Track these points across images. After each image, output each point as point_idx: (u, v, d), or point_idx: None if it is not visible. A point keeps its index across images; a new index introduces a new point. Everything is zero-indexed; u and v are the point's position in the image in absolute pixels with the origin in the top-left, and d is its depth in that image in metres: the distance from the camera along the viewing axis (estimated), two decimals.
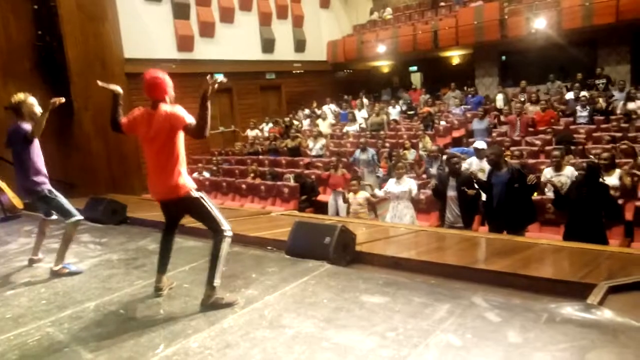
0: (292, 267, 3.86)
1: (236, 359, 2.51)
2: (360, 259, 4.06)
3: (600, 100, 10.42)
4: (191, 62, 13.32)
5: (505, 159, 5.72)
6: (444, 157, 8.32)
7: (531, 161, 7.98)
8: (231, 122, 15.15)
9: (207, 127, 3.08)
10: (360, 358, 2.44)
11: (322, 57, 17.87)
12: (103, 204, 6.29)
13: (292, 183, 9.11)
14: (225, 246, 3.18)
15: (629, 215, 5.61)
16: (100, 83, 3.58)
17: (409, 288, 3.32)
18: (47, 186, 4.18)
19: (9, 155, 4.41)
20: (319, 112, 14.97)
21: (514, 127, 10.07)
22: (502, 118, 11.01)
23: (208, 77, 3.07)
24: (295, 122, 14.24)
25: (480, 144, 7.07)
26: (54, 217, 4.38)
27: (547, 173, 5.91)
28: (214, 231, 3.22)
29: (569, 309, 2.81)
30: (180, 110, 3.15)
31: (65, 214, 4.17)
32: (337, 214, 7.96)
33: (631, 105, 9.71)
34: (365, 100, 15.46)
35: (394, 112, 14.10)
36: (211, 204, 3.29)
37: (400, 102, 14.93)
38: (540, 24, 13.01)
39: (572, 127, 9.83)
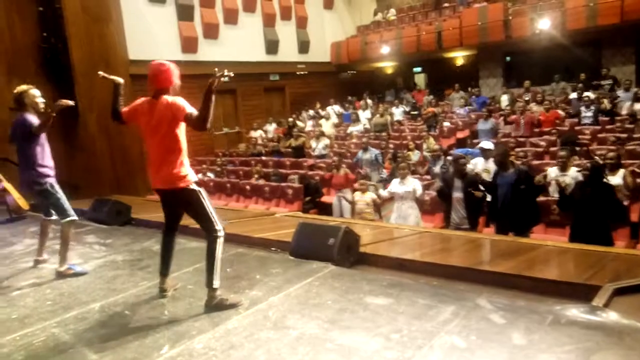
0: (296, 269, 3.86)
1: None
2: (364, 260, 4.06)
3: (605, 101, 10.37)
4: (195, 64, 13.33)
5: (512, 160, 5.70)
6: (448, 157, 8.32)
7: (536, 162, 7.95)
8: (235, 124, 15.18)
9: (209, 118, 3.05)
10: (364, 359, 2.44)
11: (325, 58, 17.87)
12: (108, 205, 6.31)
13: (296, 184, 9.12)
14: (219, 247, 3.17)
15: (634, 217, 5.58)
16: (101, 74, 3.57)
17: (413, 289, 3.32)
18: (51, 180, 4.15)
19: (14, 157, 4.42)
20: (322, 113, 14.98)
21: (518, 126, 10.05)
22: (508, 119, 10.97)
23: (216, 69, 3.06)
24: (299, 123, 14.25)
25: (487, 144, 7.05)
26: (54, 217, 4.37)
27: (552, 172, 5.89)
28: (206, 230, 3.21)
29: (574, 311, 2.80)
30: (181, 101, 3.15)
31: (61, 212, 4.16)
32: (342, 214, 7.96)
33: (638, 106, 9.66)
34: (369, 101, 15.46)
35: (398, 112, 14.09)
36: (208, 201, 3.28)
37: (404, 102, 14.92)
38: (544, 25, 12.98)
39: (576, 127, 9.79)
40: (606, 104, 10.25)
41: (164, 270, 3.48)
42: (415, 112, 13.93)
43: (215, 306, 3.12)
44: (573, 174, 5.69)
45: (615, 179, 5.51)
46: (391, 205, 6.67)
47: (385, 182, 8.53)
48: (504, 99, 12.84)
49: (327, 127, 13.57)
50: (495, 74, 15.79)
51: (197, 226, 3.35)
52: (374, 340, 2.61)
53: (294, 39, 16.85)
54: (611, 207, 4.76)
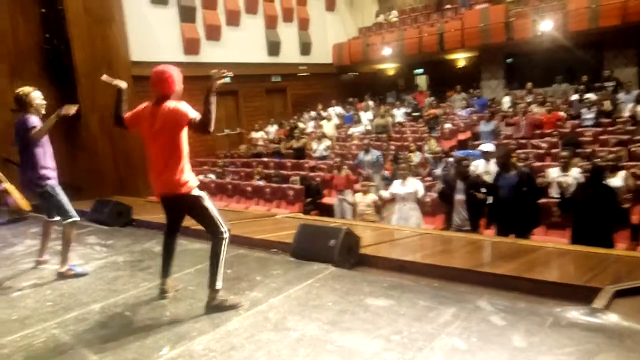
0: (296, 270, 3.86)
1: None
2: (364, 262, 4.06)
3: (606, 102, 10.37)
4: (197, 65, 13.32)
5: (513, 161, 5.70)
6: (450, 159, 8.32)
7: (537, 164, 7.95)
8: (237, 125, 15.20)
9: (212, 121, 3.05)
10: None
11: (327, 60, 17.89)
12: (109, 206, 6.32)
13: (297, 185, 9.12)
14: (224, 248, 3.18)
15: (635, 219, 5.57)
16: (104, 78, 3.56)
17: (413, 291, 3.32)
18: (51, 182, 4.15)
19: (16, 157, 4.43)
20: (324, 114, 14.99)
21: (519, 127, 10.04)
22: (508, 120, 10.96)
23: (214, 71, 3.07)
24: (301, 125, 14.26)
25: (488, 146, 7.05)
26: (57, 218, 4.38)
27: (553, 173, 5.89)
28: (211, 233, 3.21)
29: (575, 313, 2.79)
30: (184, 106, 3.14)
31: (63, 213, 4.17)
32: (343, 216, 7.96)
33: (639, 108, 9.65)
34: (370, 103, 15.46)
35: (399, 114, 14.09)
36: (211, 204, 3.28)
37: (405, 103, 14.92)
38: (546, 27, 12.97)
39: (578, 129, 9.78)
40: (607, 105, 10.24)
41: (165, 272, 3.48)
42: (417, 114, 13.93)
43: (215, 307, 3.12)
44: (575, 174, 5.69)
45: (616, 181, 5.51)
46: (392, 206, 6.67)
47: (386, 184, 8.54)
48: (506, 101, 12.83)
49: (329, 128, 13.57)
50: (496, 76, 15.78)
51: (199, 227, 3.35)
52: (375, 341, 2.61)
53: (296, 40, 16.87)
54: (612, 210, 4.75)
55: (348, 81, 18.67)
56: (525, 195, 5.10)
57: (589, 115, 9.95)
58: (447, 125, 11.98)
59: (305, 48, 17.14)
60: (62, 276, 4.09)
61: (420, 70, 18.72)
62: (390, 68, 18.90)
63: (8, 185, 6.46)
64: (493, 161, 6.50)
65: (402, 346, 2.54)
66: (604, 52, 13.78)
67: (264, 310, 3.12)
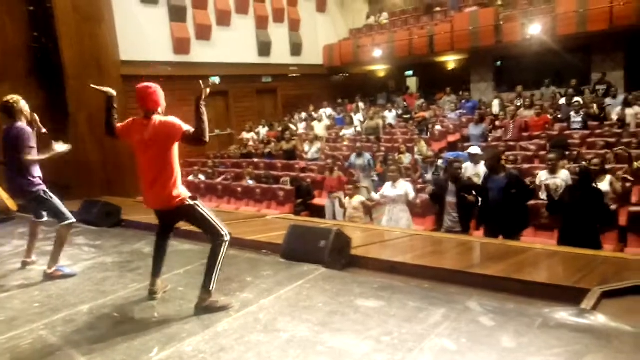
0: (287, 271, 3.85)
1: None
2: (355, 263, 4.06)
3: (595, 106, 10.49)
4: (187, 65, 13.30)
5: (502, 163, 5.74)
6: (440, 162, 8.36)
7: (526, 166, 8.01)
8: (227, 125, 15.14)
9: (206, 132, 3.07)
10: None
11: (318, 61, 17.89)
12: (97, 207, 6.27)
13: (287, 186, 9.11)
14: (224, 251, 3.18)
15: (622, 221, 5.63)
16: (92, 86, 3.56)
17: (404, 292, 3.33)
18: (43, 187, 4.15)
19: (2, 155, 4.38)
20: (315, 115, 14.99)
21: (507, 130, 10.13)
22: (498, 123, 11.06)
23: (201, 81, 3.07)
24: (291, 126, 14.24)
25: (475, 149, 7.09)
26: (45, 218, 4.35)
27: (542, 176, 5.94)
28: (211, 236, 3.21)
29: (563, 314, 2.82)
30: (175, 120, 3.14)
31: (58, 216, 4.15)
32: (334, 217, 7.96)
33: (629, 111, 9.77)
34: (361, 104, 15.49)
35: (390, 116, 14.14)
36: (207, 210, 3.27)
37: (395, 105, 14.97)
38: (535, 30, 13.10)
39: (566, 132, 9.88)
40: (595, 109, 10.36)
41: (156, 272, 3.46)
42: (407, 116, 13.99)
43: (205, 308, 3.11)
44: (564, 177, 5.75)
45: (602, 185, 5.56)
46: (382, 208, 6.68)
47: (377, 186, 8.56)
48: (495, 104, 12.92)
49: (319, 129, 13.57)
50: (486, 79, 15.90)
51: (189, 228, 3.34)
52: (365, 343, 2.62)
53: (287, 41, 16.85)
54: (600, 211, 4.80)
55: (339, 82, 18.70)
56: (514, 198, 5.13)
57: (577, 118, 10.06)
58: (437, 128, 12.04)
59: (296, 49, 17.13)
60: (49, 277, 4.04)
61: (411, 72, 18.80)
62: (380, 70, 18.96)
63: None
64: (482, 163, 6.55)
65: (392, 347, 2.55)
66: (592, 56, 13.94)
67: (254, 312, 3.11)
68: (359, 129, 13.22)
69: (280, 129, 13.87)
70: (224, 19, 14.71)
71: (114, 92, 3.49)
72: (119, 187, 10.39)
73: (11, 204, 6.41)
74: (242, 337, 2.77)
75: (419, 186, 7.46)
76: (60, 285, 3.91)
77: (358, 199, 6.68)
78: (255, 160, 11.95)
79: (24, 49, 9.96)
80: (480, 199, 5.51)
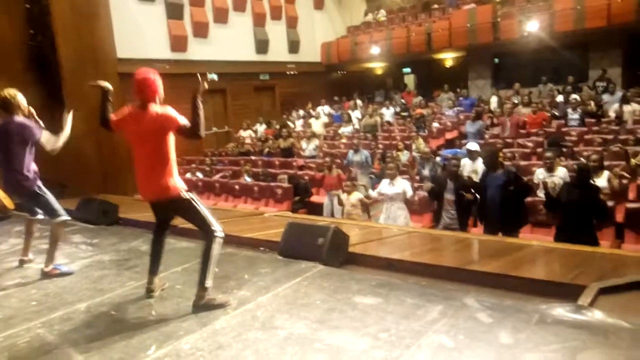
0: (284, 268, 3.85)
1: None
2: (353, 260, 4.06)
3: (592, 103, 10.50)
4: (185, 63, 13.28)
5: (500, 160, 5.74)
6: (437, 159, 8.37)
7: (523, 163, 8.02)
8: (225, 123, 15.12)
9: (202, 127, 3.07)
10: (352, 359, 2.44)
11: (316, 59, 17.87)
12: (94, 205, 6.26)
13: (285, 184, 9.10)
14: (217, 247, 3.16)
15: (619, 217, 5.65)
16: (89, 83, 3.54)
17: (401, 289, 3.33)
18: (38, 182, 4.12)
19: None
20: (313, 113, 14.98)
21: (504, 127, 10.14)
22: (495, 120, 11.07)
23: (199, 74, 3.07)
24: (289, 124, 14.24)
25: (473, 145, 7.09)
26: (40, 216, 4.32)
27: (540, 174, 5.94)
28: (204, 232, 3.20)
29: (560, 310, 2.82)
30: (171, 111, 3.13)
31: (52, 213, 4.12)
32: (333, 215, 7.96)
33: (627, 108, 9.78)
34: (358, 102, 15.49)
35: (388, 113, 14.14)
36: (202, 205, 3.26)
37: (393, 103, 14.98)
38: (532, 27, 13.10)
39: (563, 129, 9.90)
40: (592, 106, 10.37)
41: (153, 270, 3.45)
42: (405, 113, 13.99)
43: (203, 306, 3.10)
44: (561, 174, 5.75)
45: (600, 181, 5.57)
46: (380, 205, 6.68)
47: (375, 183, 8.56)
48: (494, 101, 12.94)
49: (317, 126, 13.57)
50: (484, 76, 15.91)
51: (187, 226, 3.33)
52: (362, 339, 2.62)
53: (284, 38, 16.83)
54: (597, 208, 4.81)
55: (336, 80, 18.68)
56: (512, 195, 5.14)
57: (574, 115, 10.07)
58: (435, 125, 12.05)
59: (294, 46, 17.11)
60: (46, 275, 4.03)
61: (408, 70, 18.80)
62: (378, 67, 18.96)
63: None
64: (479, 160, 6.55)
65: (390, 344, 2.55)
66: (589, 53, 13.96)
67: (251, 309, 3.11)
68: (357, 126, 13.22)
69: (277, 126, 13.86)
70: (221, 16, 14.68)
71: (110, 86, 3.48)
72: (116, 184, 10.37)
73: (8, 202, 6.38)
74: (239, 334, 2.76)
75: (416, 184, 7.46)
76: (58, 283, 3.90)
77: (356, 196, 6.67)
78: (253, 157, 11.94)
79: (20, 46, 9.91)
80: (478, 197, 5.52)
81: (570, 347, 2.42)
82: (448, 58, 17.10)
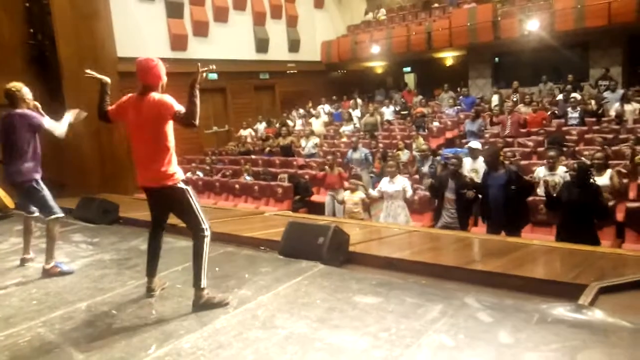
0: (285, 268, 3.85)
1: None
2: (353, 260, 4.06)
3: (592, 102, 10.49)
4: (185, 62, 13.22)
5: (502, 160, 5.73)
6: (438, 157, 8.36)
7: (524, 162, 8.02)
8: (225, 122, 15.12)
9: (197, 115, 3.04)
10: (353, 358, 2.44)
11: (316, 58, 17.86)
12: (95, 204, 6.25)
13: (285, 183, 9.10)
14: (206, 246, 3.15)
15: (620, 216, 5.65)
16: (88, 73, 3.54)
17: (402, 288, 3.33)
18: (36, 177, 4.11)
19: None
20: (313, 112, 14.98)
21: (505, 126, 10.13)
22: (495, 119, 11.06)
23: (198, 64, 3.06)
24: (289, 122, 14.23)
25: (475, 144, 7.09)
26: (36, 213, 4.32)
27: (540, 172, 5.94)
28: (193, 229, 3.19)
29: (561, 310, 2.82)
30: (169, 99, 3.12)
31: (46, 209, 4.12)
32: (334, 214, 7.96)
33: (628, 107, 9.77)
34: (359, 100, 15.48)
35: (388, 112, 14.14)
36: (195, 200, 3.25)
37: (393, 102, 14.98)
38: (533, 26, 13.09)
39: (564, 128, 9.89)
40: (593, 105, 10.36)
41: (152, 270, 3.45)
42: (406, 112, 13.98)
43: (203, 305, 3.10)
44: (562, 173, 5.75)
45: (602, 180, 5.56)
46: (381, 204, 6.68)
47: (374, 181, 8.56)
48: (495, 100, 12.93)
49: (317, 125, 13.57)
50: (484, 75, 15.90)
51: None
52: (363, 339, 2.62)
53: (284, 37, 16.82)
54: (597, 207, 4.81)
55: (336, 79, 18.67)
56: (514, 194, 5.13)
57: (574, 114, 10.06)
58: (435, 124, 12.04)
59: (294, 45, 17.10)
60: (47, 273, 4.04)
61: (409, 69, 18.79)
62: (378, 66, 18.94)
63: None
64: (480, 159, 6.55)
65: (390, 343, 2.55)
66: (589, 52, 13.96)
67: (252, 308, 3.11)
68: (357, 125, 13.22)
69: (277, 125, 13.86)
70: (221, 15, 14.68)
71: (108, 80, 3.50)
72: (116, 184, 10.38)
73: (9, 201, 6.41)
74: (240, 333, 2.76)
75: (415, 185, 7.44)
76: (58, 282, 3.90)
77: (359, 194, 6.68)
78: (254, 157, 11.94)
79: (20, 45, 9.93)
80: (480, 196, 5.52)
81: (570, 346, 2.42)
82: (448, 57, 17.08)
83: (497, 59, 15.82)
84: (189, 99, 3.03)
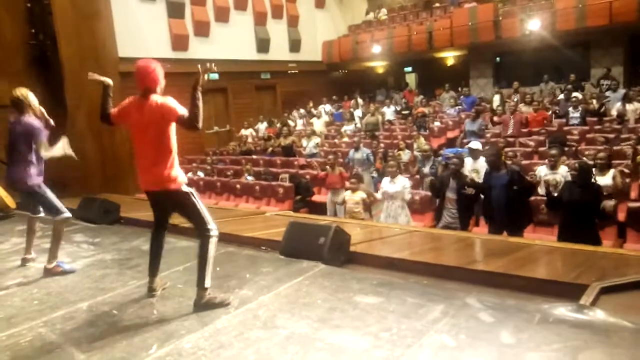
0: (286, 268, 3.85)
1: None
2: (354, 260, 4.06)
3: (594, 101, 10.47)
4: (186, 62, 13.24)
5: (504, 160, 5.72)
6: (439, 158, 8.35)
7: (525, 162, 8.01)
8: (226, 122, 15.12)
9: (200, 117, 3.05)
10: (354, 358, 2.44)
11: (317, 57, 17.87)
12: (96, 204, 6.26)
13: (287, 183, 9.10)
14: (212, 246, 3.15)
15: (621, 216, 5.63)
16: (90, 75, 3.55)
17: (403, 288, 3.32)
18: (39, 181, 4.14)
19: (2, 154, 4.39)
20: (314, 112, 14.98)
21: (507, 126, 10.12)
22: (496, 119, 11.04)
23: (199, 65, 3.06)
24: (290, 122, 14.23)
25: (475, 144, 7.07)
26: (42, 214, 4.35)
27: (542, 171, 5.92)
28: (199, 230, 3.19)
29: (562, 310, 2.82)
30: (172, 102, 3.12)
31: (53, 211, 4.13)
32: (335, 214, 7.96)
33: (629, 107, 9.76)
34: (360, 100, 15.48)
35: (389, 112, 14.13)
36: (200, 201, 3.26)
37: (393, 101, 14.97)
38: (534, 26, 13.08)
39: (565, 128, 9.88)
40: (594, 104, 10.34)
41: (153, 270, 3.45)
42: (407, 112, 13.98)
43: (204, 305, 3.10)
44: (563, 173, 5.74)
45: (605, 180, 5.55)
46: (382, 204, 6.67)
47: (376, 181, 8.55)
48: (496, 99, 12.92)
49: (319, 125, 13.57)
50: (485, 74, 15.89)
51: (188, 225, 3.32)
52: (364, 339, 2.62)
53: (285, 37, 16.82)
54: (598, 208, 4.79)
55: (337, 79, 18.67)
56: (516, 194, 5.12)
57: (575, 114, 10.05)
58: (436, 124, 12.03)
59: (295, 45, 17.10)
60: (49, 272, 4.05)
61: (410, 69, 18.78)
62: (379, 66, 18.94)
63: None
64: (481, 159, 6.54)
65: (391, 343, 2.55)
66: (591, 52, 13.94)
67: (253, 308, 3.11)
68: (358, 125, 13.22)
69: (278, 125, 13.86)
70: (222, 15, 14.68)
71: (110, 82, 3.49)
72: (117, 184, 10.39)
73: (10, 201, 6.42)
74: (241, 333, 2.76)
75: (413, 190, 7.38)
76: (59, 282, 3.91)
77: (359, 194, 6.67)
78: (255, 157, 11.94)
79: (21, 45, 9.94)
80: (481, 195, 5.50)
81: (572, 346, 2.41)
82: (449, 57, 17.07)
83: (498, 58, 15.81)
84: (191, 101, 3.03)
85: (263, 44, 15.88)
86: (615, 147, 7.77)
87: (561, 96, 11.53)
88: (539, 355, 2.36)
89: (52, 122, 4.31)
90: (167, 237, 3.55)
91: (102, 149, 10.60)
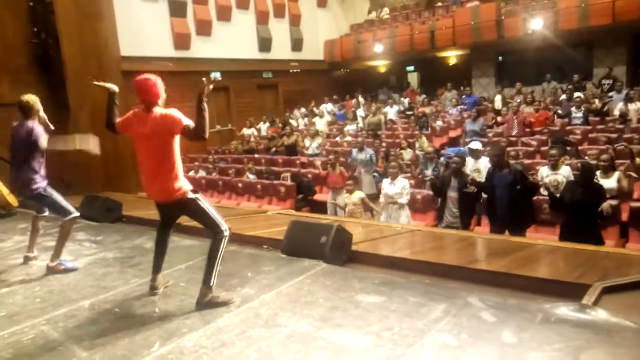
0: (288, 266, 3.86)
1: (231, 358, 2.51)
2: (356, 259, 4.06)
3: (596, 101, 10.44)
4: (188, 61, 13.28)
5: (506, 159, 5.71)
6: (441, 159, 8.34)
7: (527, 161, 8.00)
8: (228, 121, 15.11)
9: (206, 129, 3.06)
10: (355, 357, 2.45)
11: (319, 57, 17.86)
12: (98, 202, 6.27)
13: (288, 182, 9.10)
14: (223, 246, 3.17)
15: (624, 216, 5.62)
16: (95, 82, 3.56)
17: (404, 287, 3.33)
18: (43, 185, 4.16)
19: (4, 152, 4.40)
20: (316, 111, 14.98)
21: (511, 126, 10.09)
22: (499, 119, 11.02)
23: (204, 79, 3.07)
24: (292, 121, 14.23)
25: (476, 144, 7.06)
26: (46, 213, 4.38)
27: (544, 172, 5.91)
28: (213, 231, 3.21)
29: (564, 309, 2.82)
30: (176, 113, 3.12)
31: (61, 211, 4.16)
32: (336, 213, 7.96)
33: (632, 107, 9.73)
34: (361, 100, 15.47)
35: (391, 112, 14.12)
36: (207, 204, 3.27)
37: (396, 101, 14.96)
38: (536, 25, 13.05)
39: (567, 128, 9.85)
40: (597, 104, 10.32)
41: (157, 267, 3.46)
42: (410, 112, 13.96)
43: (206, 304, 3.11)
44: (565, 173, 5.72)
45: (610, 182, 5.51)
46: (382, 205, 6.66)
47: (377, 181, 8.54)
48: (498, 99, 12.90)
49: (321, 125, 13.56)
50: (487, 74, 15.86)
51: (191, 224, 3.34)
52: (366, 338, 2.62)
53: (287, 36, 16.82)
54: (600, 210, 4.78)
55: (339, 78, 18.66)
56: (519, 194, 5.11)
57: (578, 114, 10.03)
58: (438, 123, 12.02)
59: (297, 44, 17.09)
60: (51, 270, 4.06)
61: (412, 68, 18.76)
62: (381, 65, 18.92)
63: None
64: (482, 159, 6.54)
65: (393, 342, 2.55)
66: (593, 51, 13.90)
67: (255, 307, 3.12)
68: (361, 124, 13.21)
69: (280, 124, 13.86)
70: (224, 14, 14.68)
71: (116, 88, 3.48)
72: (120, 182, 10.40)
73: (12, 199, 6.43)
74: (243, 332, 2.77)
75: (415, 189, 7.36)
76: (62, 280, 3.92)
77: (358, 195, 6.66)
78: (257, 156, 11.94)
79: (23, 44, 9.94)
80: (483, 194, 5.49)
81: (573, 346, 2.41)
82: (452, 56, 17.05)
83: (500, 58, 15.77)
84: (197, 112, 3.04)
85: (265, 43, 15.88)
86: (618, 147, 7.74)
87: (563, 96, 11.50)
88: (540, 354, 2.36)
89: (52, 127, 4.31)
90: (171, 236, 3.56)
91: (105, 147, 10.53)
